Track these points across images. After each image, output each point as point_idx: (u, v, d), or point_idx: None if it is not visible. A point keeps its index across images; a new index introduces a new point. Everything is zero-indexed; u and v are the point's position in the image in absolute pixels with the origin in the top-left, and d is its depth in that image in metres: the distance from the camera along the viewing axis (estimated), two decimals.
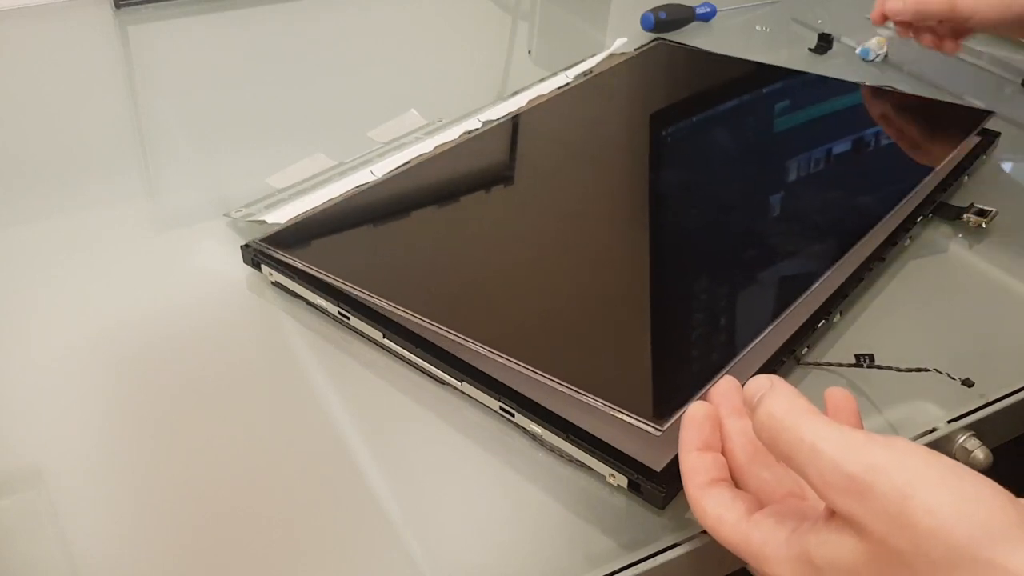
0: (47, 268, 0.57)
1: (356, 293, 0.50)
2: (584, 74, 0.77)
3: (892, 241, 0.56)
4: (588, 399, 0.43)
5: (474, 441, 0.45)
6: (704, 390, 0.42)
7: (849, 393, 0.38)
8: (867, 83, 0.74)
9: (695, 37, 0.86)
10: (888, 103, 0.71)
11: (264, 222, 0.58)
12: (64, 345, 0.51)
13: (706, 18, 0.89)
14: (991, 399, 0.48)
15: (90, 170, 0.67)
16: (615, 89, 0.76)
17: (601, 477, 0.43)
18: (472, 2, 0.98)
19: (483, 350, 0.46)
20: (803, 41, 0.86)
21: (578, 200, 0.61)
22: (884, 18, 0.71)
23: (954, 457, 0.42)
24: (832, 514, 0.32)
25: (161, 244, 0.60)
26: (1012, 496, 0.30)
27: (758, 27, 0.91)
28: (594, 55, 0.80)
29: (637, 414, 0.41)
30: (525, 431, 0.45)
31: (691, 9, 0.88)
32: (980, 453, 0.45)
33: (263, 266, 0.55)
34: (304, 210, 0.58)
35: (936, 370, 0.47)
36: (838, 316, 0.52)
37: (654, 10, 0.86)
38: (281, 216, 0.58)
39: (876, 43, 0.83)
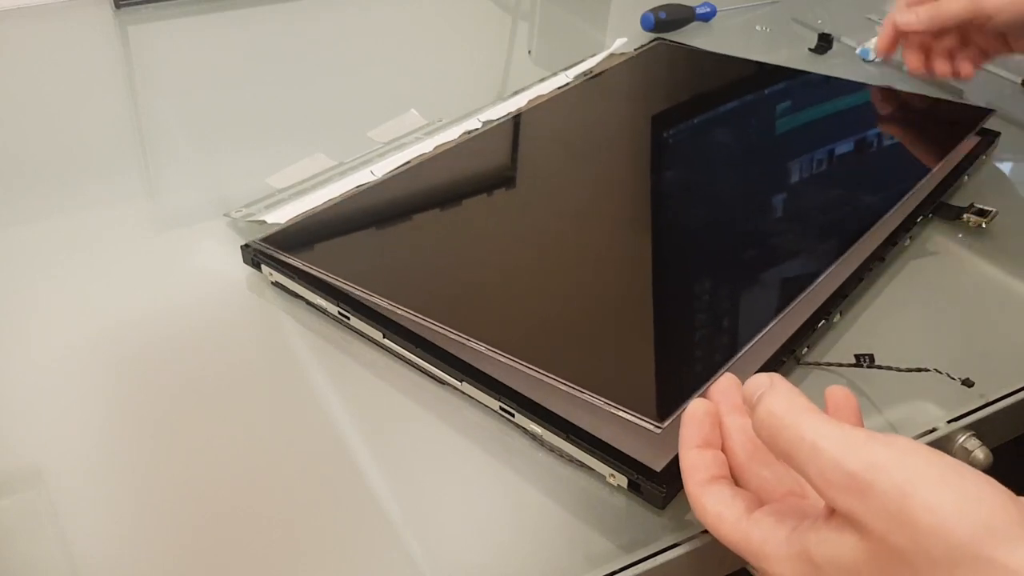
0: (47, 268, 0.57)
1: (356, 293, 0.50)
2: (584, 74, 0.77)
3: (892, 241, 0.56)
4: (588, 397, 0.43)
5: (474, 441, 0.45)
6: (704, 388, 0.42)
7: (849, 392, 0.38)
8: (867, 83, 0.74)
9: (695, 37, 0.86)
10: (888, 102, 0.71)
11: (264, 222, 0.58)
12: (64, 345, 0.51)
13: (706, 18, 0.89)
14: (991, 399, 0.47)
15: (90, 170, 0.67)
16: (615, 89, 0.76)
17: (601, 477, 0.43)
18: (472, 2, 0.98)
19: (483, 349, 0.46)
20: (803, 41, 0.86)
21: (578, 199, 0.61)
22: (891, 48, 0.69)
23: (954, 457, 0.42)
24: (832, 512, 0.32)
25: (161, 244, 0.60)
26: (1012, 494, 0.30)
27: (758, 27, 0.91)
28: (594, 55, 0.80)
29: (637, 412, 0.41)
30: (525, 431, 0.45)
31: (691, 9, 0.88)
32: (980, 453, 0.45)
33: (263, 266, 0.55)
34: (304, 210, 0.58)
35: (936, 370, 0.47)
36: (838, 316, 0.52)
37: (654, 10, 0.86)
38: (281, 216, 0.58)
39: (876, 43, 0.83)
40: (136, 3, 0.91)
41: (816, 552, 0.32)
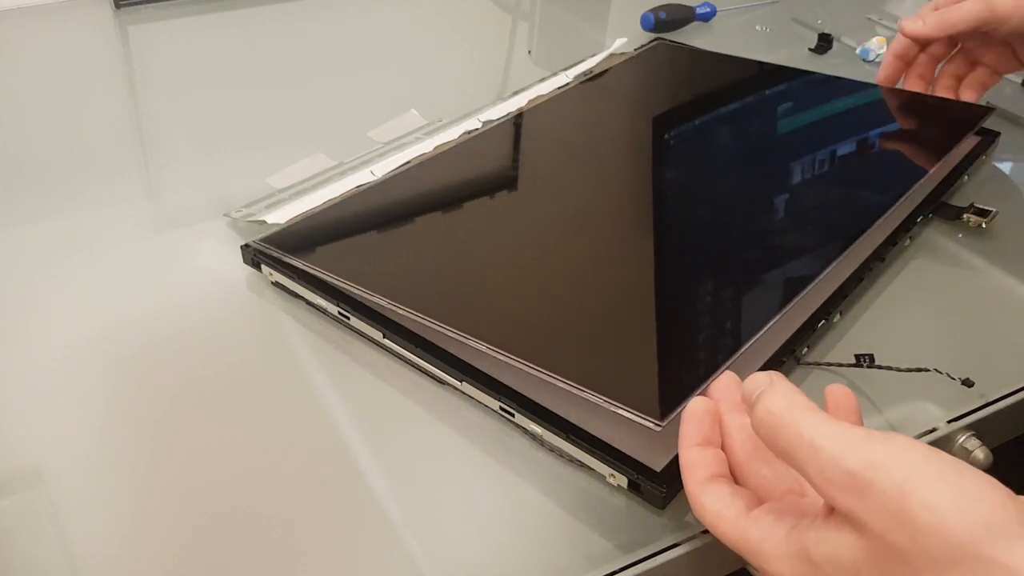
0: (47, 268, 0.57)
1: (356, 293, 0.50)
2: (584, 74, 0.77)
3: (892, 241, 0.56)
4: (588, 395, 0.43)
5: (474, 441, 0.45)
6: (704, 386, 0.42)
7: (849, 390, 0.38)
8: (867, 82, 0.74)
9: (695, 37, 0.86)
10: (888, 102, 0.71)
11: (264, 222, 0.58)
12: (64, 345, 0.51)
13: (706, 18, 0.89)
14: (991, 399, 0.47)
15: (90, 170, 0.67)
16: (615, 89, 0.76)
17: (601, 477, 0.43)
18: (472, 2, 0.98)
19: (483, 348, 0.46)
20: (803, 41, 0.86)
21: (578, 199, 0.61)
22: (894, 78, 0.69)
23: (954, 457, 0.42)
24: (831, 511, 0.32)
25: (161, 244, 0.60)
26: (1012, 493, 0.30)
27: (758, 27, 0.91)
28: (594, 55, 0.80)
29: (637, 409, 0.41)
30: (525, 431, 0.45)
31: (691, 9, 0.88)
32: (980, 453, 0.45)
33: (263, 266, 0.55)
34: (304, 210, 0.58)
35: (936, 370, 0.47)
36: (838, 316, 0.52)
37: (654, 10, 0.86)
38: (281, 216, 0.58)
39: (876, 43, 0.83)
40: (136, 3, 0.91)
41: (815, 551, 0.32)
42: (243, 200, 0.61)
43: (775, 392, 0.34)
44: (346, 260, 0.54)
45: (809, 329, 0.50)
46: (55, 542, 0.40)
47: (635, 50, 0.81)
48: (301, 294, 0.53)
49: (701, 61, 0.80)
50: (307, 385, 0.49)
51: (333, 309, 0.51)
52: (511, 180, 0.64)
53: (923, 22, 0.64)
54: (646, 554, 0.40)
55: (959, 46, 0.69)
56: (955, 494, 0.29)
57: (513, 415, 0.45)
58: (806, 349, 0.50)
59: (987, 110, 0.67)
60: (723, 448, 0.39)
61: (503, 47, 0.90)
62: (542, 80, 0.76)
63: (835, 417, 0.33)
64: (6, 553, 0.40)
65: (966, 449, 0.46)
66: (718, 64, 0.79)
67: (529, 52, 0.88)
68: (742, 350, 0.46)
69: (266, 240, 0.55)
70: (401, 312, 0.49)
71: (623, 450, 0.42)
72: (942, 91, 0.69)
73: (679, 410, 0.40)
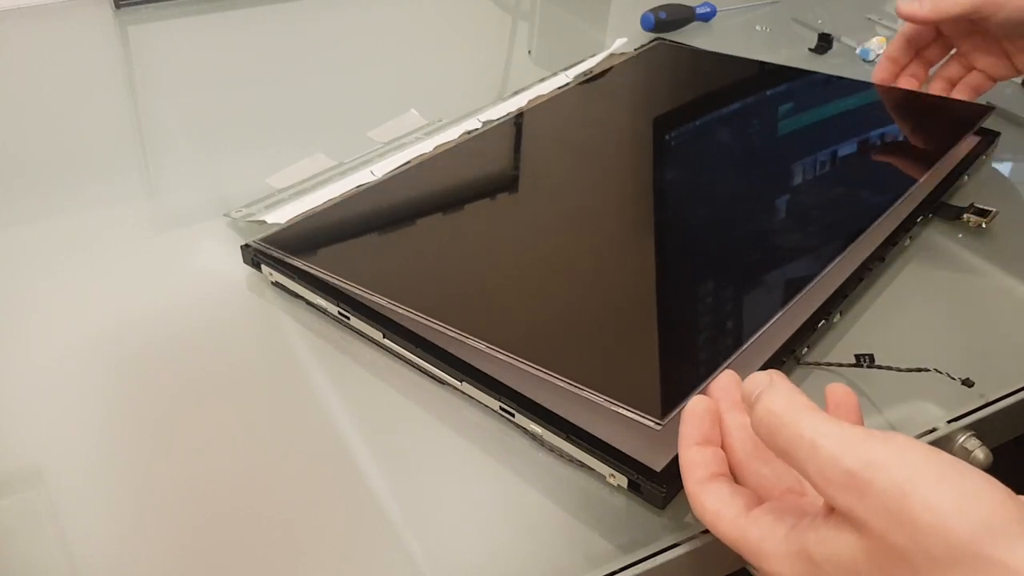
0: (47, 268, 0.57)
1: (356, 292, 0.50)
2: (584, 74, 0.77)
3: (892, 241, 0.56)
4: (587, 394, 0.43)
5: (474, 441, 0.45)
6: (704, 386, 0.42)
7: (850, 390, 0.38)
8: (867, 82, 0.74)
9: (695, 37, 0.86)
10: (888, 101, 0.71)
11: (264, 222, 0.58)
12: (64, 345, 0.51)
13: (706, 18, 0.89)
14: (991, 399, 0.47)
15: (90, 170, 0.67)
16: (615, 89, 0.76)
17: (601, 477, 0.43)
18: (472, 2, 0.98)
19: (483, 347, 0.46)
20: (803, 41, 0.86)
21: (578, 198, 0.61)
22: (890, 80, 0.69)
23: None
24: (831, 510, 0.32)
25: (161, 244, 0.60)
26: (1012, 492, 0.30)
27: (758, 27, 0.91)
28: (594, 55, 0.80)
29: (637, 408, 0.41)
30: (525, 431, 0.45)
31: (691, 9, 0.88)
32: (980, 453, 0.45)
33: (263, 266, 0.55)
34: (304, 210, 0.58)
35: (936, 370, 0.47)
36: (838, 316, 0.52)
37: (654, 10, 0.86)
38: (281, 216, 0.58)
39: (876, 43, 0.83)
40: (136, 3, 0.91)
41: (815, 550, 0.32)
42: (243, 200, 0.61)
43: (775, 391, 0.34)
44: (346, 260, 0.54)
45: (809, 329, 0.50)
46: (55, 542, 0.40)
47: (635, 50, 0.81)
48: (301, 294, 0.53)
49: (701, 61, 0.80)
50: (307, 385, 0.49)
51: (333, 309, 0.51)
52: (511, 180, 0.64)
53: (919, 5, 0.65)
54: (646, 554, 0.40)
55: (955, 50, 0.69)
56: (956, 494, 0.29)
57: (513, 415, 0.45)
58: (806, 349, 0.50)
59: (987, 110, 0.67)
60: (723, 447, 0.39)
61: (503, 47, 0.90)
62: (542, 80, 0.76)
63: (836, 416, 0.33)
64: (6, 553, 0.40)
65: (966, 449, 0.45)
66: (718, 64, 0.79)
67: (529, 52, 0.88)
68: (742, 349, 0.46)
69: (266, 240, 0.55)
70: (401, 312, 0.49)
71: (623, 450, 0.42)
72: (935, 93, 0.69)
73: (679, 409, 0.40)
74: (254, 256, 0.55)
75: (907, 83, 0.70)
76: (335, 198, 0.60)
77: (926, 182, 0.61)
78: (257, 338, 0.53)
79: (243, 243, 0.55)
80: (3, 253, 0.58)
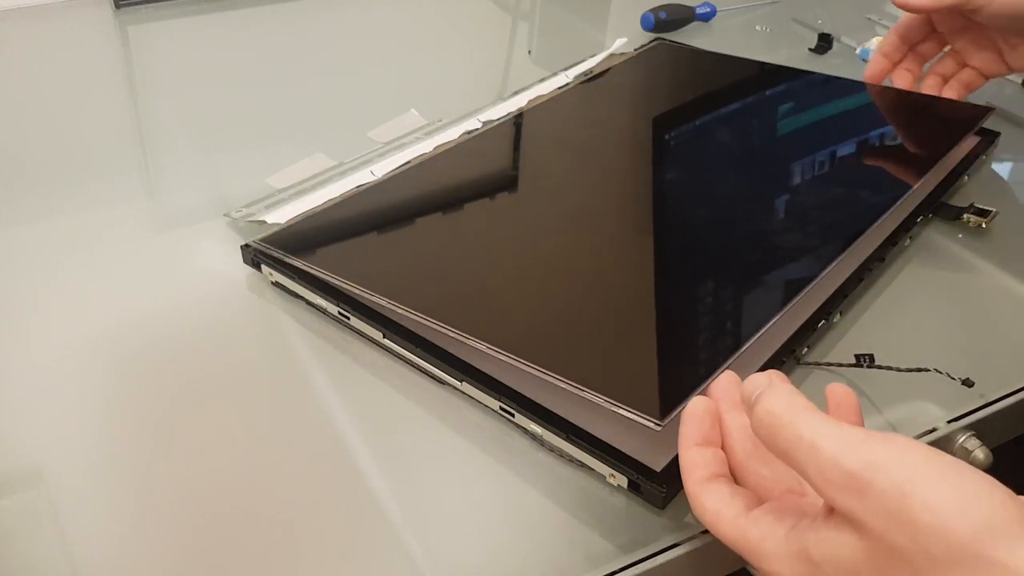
0: (47, 268, 0.57)
1: (356, 292, 0.50)
2: (584, 74, 0.77)
3: (892, 241, 0.56)
4: (588, 395, 0.43)
5: (474, 441, 0.45)
6: (704, 386, 0.42)
7: (850, 390, 0.38)
8: (867, 82, 0.74)
9: (695, 37, 0.86)
10: (888, 102, 0.71)
11: (264, 222, 0.58)
12: (64, 345, 0.51)
13: (706, 18, 0.89)
14: (991, 399, 0.47)
15: (90, 170, 0.67)
16: (615, 89, 0.76)
17: (601, 477, 0.43)
18: (472, 2, 0.98)
19: (483, 348, 0.46)
20: (803, 41, 0.86)
21: (578, 198, 0.61)
22: (881, 75, 0.70)
23: (954, 457, 0.43)
24: (831, 511, 0.32)
25: (161, 244, 0.60)
26: (1012, 493, 0.30)
27: (758, 27, 0.91)
28: (594, 55, 0.80)
29: (637, 409, 0.41)
30: (525, 431, 0.45)
31: (691, 9, 0.88)
32: (980, 453, 0.45)
33: (263, 266, 0.55)
34: (304, 210, 0.58)
35: (936, 370, 0.47)
36: (838, 316, 0.52)
37: (654, 10, 0.86)
38: (281, 216, 0.58)
39: (876, 43, 0.83)
40: (136, 3, 0.91)
41: (815, 551, 0.32)
42: (243, 200, 0.61)
43: (774, 393, 0.34)
44: (346, 260, 0.54)
45: (809, 329, 0.50)
46: (55, 542, 0.40)
47: (635, 50, 0.81)
48: (301, 294, 0.53)
49: (701, 61, 0.80)
50: (307, 385, 0.49)
51: (333, 309, 0.51)
52: (511, 180, 0.64)
53: None
54: (646, 554, 0.40)
55: (948, 47, 0.69)
56: (956, 494, 0.29)
57: (513, 415, 0.45)
58: (806, 349, 0.50)
59: (987, 110, 0.67)
60: (723, 448, 0.39)
61: (503, 47, 0.90)
62: (542, 80, 0.76)
63: (836, 416, 0.33)
64: (6, 553, 0.40)
65: (966, 449, 0.45)
66: (718, 64, 0.79)
67: (529, 52, 0.88)
68: (742, 350, 0.46)
69: (266, 240, 0.55)
70: (401, 312, 0.49)
71: (623, 450, 0.42)
72: (927, 89, 0.70)
73: (679, 410, 0.40)
74: (254, 256, 0.55)
75: (902, 77, 0.70)
76: (335, 198, 0.60)
77: (926, 182, 0.61)
78: (257, 338, 0.53)
79: (243, 243, 0.55)
80: (3, 253, 0.58)
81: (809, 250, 0.55)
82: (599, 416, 0.43)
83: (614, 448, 0.42)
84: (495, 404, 0.46)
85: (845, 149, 0.66)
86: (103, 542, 0.41)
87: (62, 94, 0.78)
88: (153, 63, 0.85)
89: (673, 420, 0.41)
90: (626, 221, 0.60)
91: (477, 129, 0.69)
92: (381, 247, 0.56)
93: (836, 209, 0.59)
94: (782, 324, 0.49)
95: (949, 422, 0.46)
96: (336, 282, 0.51)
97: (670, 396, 0.43)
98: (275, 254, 0.54)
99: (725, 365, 0.45)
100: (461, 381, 0.47)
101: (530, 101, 0.72)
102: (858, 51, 0.84)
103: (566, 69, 0.77)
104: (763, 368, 0.46)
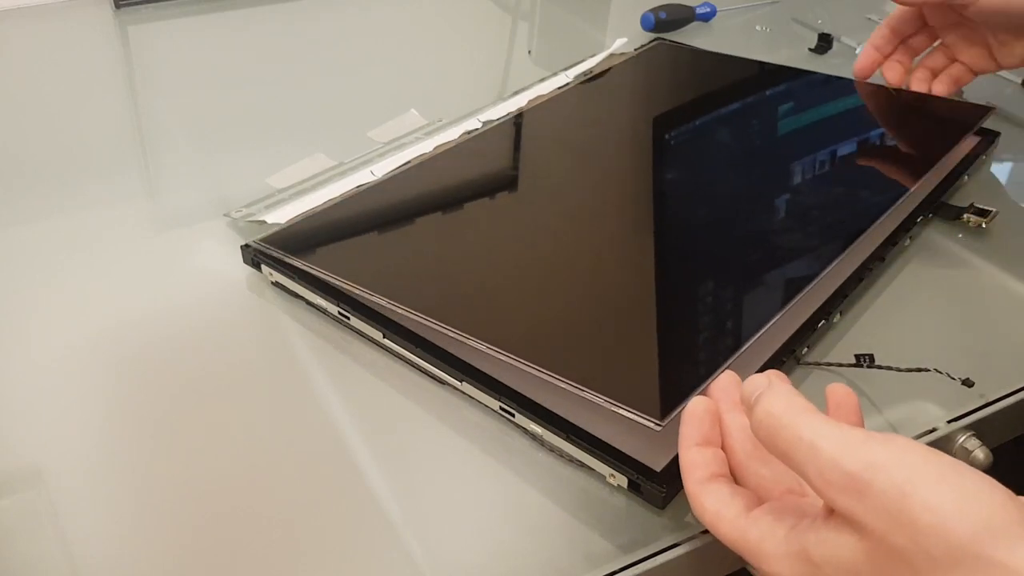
0: (47, 268, 0.57)
1: (356, 293, 0.50)
2: (584, 74, 0.77)
3: (892, 241, 0.56)
4: (587, 395, 0.43)
5: (474, 441, 0.45)
6: (704, 386, 0.42)
7: (850, 390, 0.38)
8: (867, 82, 0.74)
9: (695, 37, 0.86)
10: (888, 102, 0.71)
11: (264, 222, 0.58)
12: (64, 345, 0.51)
13: (706, 18, 0.89)
14: (991, 399, 0.47)
15: (90, 170, 0.67)
16: (615, 89, 0.76)
17: (601, 477, 0.43)
18: (472, 2, 0.98)
19: (483, 348, 0.46)
20: (803, 41, 0.86)
21: (578, 198, 0.61)
22: (871, 68, 0.71)
23: (954, 457, 0.42)
24: (831, 512, 0.32)
25: (161, 244, 0.60)
26: (1012, 493, 0.30)
27: (758, 27, 0.91)
28: (594, 55, 0.80)
29: (637, 409, 0.41)
30: (525, 431, 0.45)
31: (691, 9, 0.88)
32: (980, 453, 0.45)
33: (263, 266, 0.55)
34: (304, 210, 0.58)
35: (936, 370, 0.47)
36: (838, 316, 0.52)
37: (654, 10, 0.86)
38: (281, 216, 0.58)
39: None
40: (136, 3, 0.91)
41: (815, 551, 0.32)
42: (243, 200, 0.61)
43: (774, 393, 0.34)
44: (346, 260, 0.54)
45: (809, 329, 0.50)
46: (55, 542, 0.40)
47: (635, 50, 0.81)
48: (301, 294, 0.53)
49: (701, 61, 0.80)
50: (307, 385, 0.49)
51: (333, 309, 0.51)
52: (511, 180, 0.64)
53: None
54: (646, 554, 0.40)
55: (939, 41, 0.70)
56: (956, 495, 0.29)
57: (513, 415, 0.45)
58: (806, 349, 0.50)
59: (987, 110, 0.67)
60: (723, 448, 0.39)
61: (503, 47, 0.90)
62: (542, 80, 0.76)
63: (836, 417, 0.33)
64: (6, 553, 0.40)
65: (966, 449, 0.45)
66: (718, 64, 0.79)
67: (529, 52, 0.88)
68: (742, 350, 0.46)
69: (266, 240, 0.55)
70: (401, 312, 0.49)
71: (623, 450, 0.42)
72: (916, 83, 0.70)
73: (679, 410, 0.40)
74: (254, 256, 0.55)
75: (892, 69, 0.71)
76: (335, 198, 0.60)
77: (926, 182, 0.61)
78: (257, 338, 0.53)
79: (243, 243, 0.55)
80: (3, 253, 0.58)
81: (809, 250, 0.55)
82: (599, 416, 0.43)
83: (614, 448, 0.42)
84: (495, 404, 0.46)
85: (845, 149, 0.66)
86: (103, 542, 0.41)
87: (62, 94, 0.78)
88: (153, 63, 0.85)
89: (673, 420, 0.41)
90: (626, 221, 0.60)
91: (477, 129, 0.69)
92: (381, 247, 0.56)
93: (836, 209, 0.59)
94: (782, 324, 0.49)
95: (949, 422, 0.46)
96: (336, 282, 0.51)
97: (670, 396, 0.43)
98: (275, 254, 0.54)
99: (725, 365, 0.45)
100: (461, 381, 0.47)
101: (530, 101, 0.72)
102: (858, 51, 0.84)
103: (566, 69, 0.77)
104: (763, 368, 0.46)
